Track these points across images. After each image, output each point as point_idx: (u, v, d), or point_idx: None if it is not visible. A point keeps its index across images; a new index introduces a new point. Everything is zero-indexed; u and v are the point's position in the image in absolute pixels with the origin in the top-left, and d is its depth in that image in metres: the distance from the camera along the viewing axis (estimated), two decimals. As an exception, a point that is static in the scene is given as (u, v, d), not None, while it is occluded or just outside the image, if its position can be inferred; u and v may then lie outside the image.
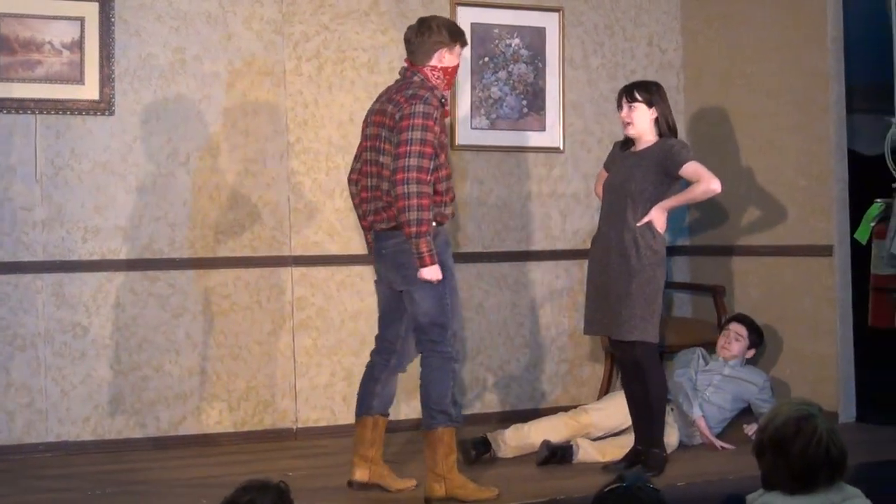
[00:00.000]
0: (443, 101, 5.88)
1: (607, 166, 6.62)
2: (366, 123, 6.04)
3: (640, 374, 6.34)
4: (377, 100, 6.05)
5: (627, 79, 8.35)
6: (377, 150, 5.87)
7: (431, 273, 5.69)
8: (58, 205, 7.07)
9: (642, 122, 6.37)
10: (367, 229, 6.12)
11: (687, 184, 6.33)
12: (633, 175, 6.31)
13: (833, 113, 7.59)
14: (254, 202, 7.47)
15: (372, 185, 5.91)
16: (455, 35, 5.98)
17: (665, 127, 6.36)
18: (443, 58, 5.93)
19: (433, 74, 5.92)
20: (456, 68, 6.01)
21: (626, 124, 6.41)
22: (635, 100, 6.36)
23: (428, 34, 5.92)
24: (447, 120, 6.12)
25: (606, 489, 3.75)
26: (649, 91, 6.39)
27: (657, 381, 6.37)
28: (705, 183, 6.22)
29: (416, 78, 5.90)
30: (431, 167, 5.70)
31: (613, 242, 6.29)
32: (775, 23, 7.91)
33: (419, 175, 5.63)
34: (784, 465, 3.83)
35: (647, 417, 6.40)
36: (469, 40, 7.71)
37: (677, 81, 8.58)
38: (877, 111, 7.78)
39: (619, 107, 6.45)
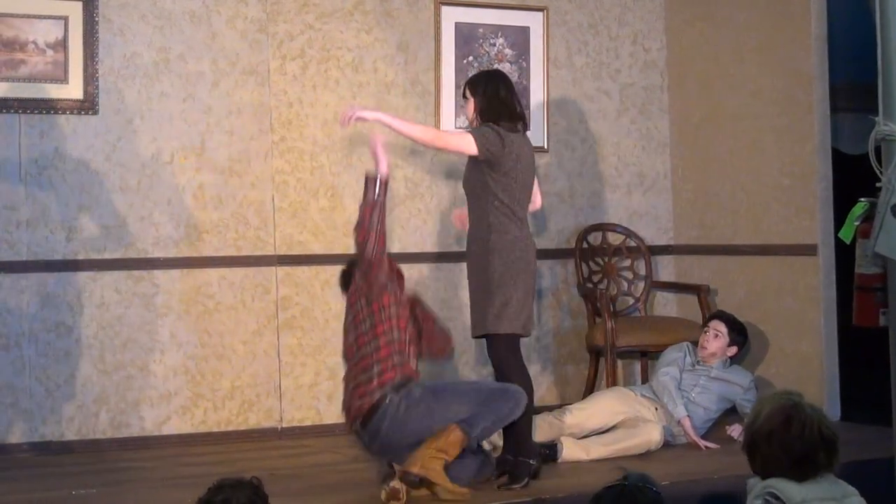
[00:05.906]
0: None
1: None
2: None
3: (499, 375, 6.10)
4: None
5: (612, 78, 8.40)
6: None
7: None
8: (42, 204, 7.05)
9: (469, 115, 6.22)
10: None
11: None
12: (465, 173, 6.26)
13: (817, 112, 7.60)
14: (238, 201, 7.46)
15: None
16: None
17: (489, 116, 6.09)
18: None
19: None
20: None
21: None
22: (465, 96, 6.27)
23: None
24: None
25: (606, 486, 3.73)
26: (472, 83, 6.26)
27: (515, 383, 5.99)
28: (425, 131, 6.33)
29: None
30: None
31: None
32: (759, 22, 7.91)
33: None
34: (782, 455, 3.83)
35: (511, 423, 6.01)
36: (453, 40, 7.74)
37: (661, 81, 8.58)
38: (861, 110, 7.76)
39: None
